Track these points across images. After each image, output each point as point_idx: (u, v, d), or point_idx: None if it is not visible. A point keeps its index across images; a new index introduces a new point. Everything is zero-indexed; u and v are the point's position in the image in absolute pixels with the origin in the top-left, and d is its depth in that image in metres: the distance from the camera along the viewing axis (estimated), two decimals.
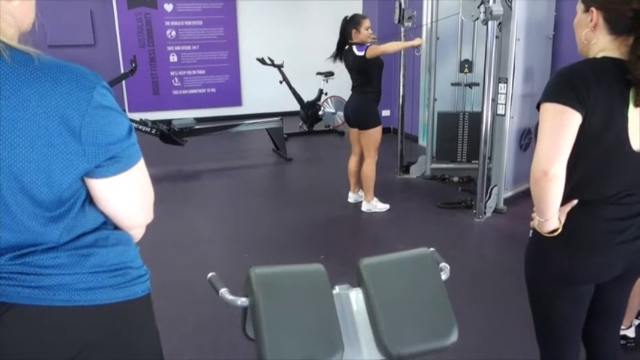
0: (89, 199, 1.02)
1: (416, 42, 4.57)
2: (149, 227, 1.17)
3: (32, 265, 0.96)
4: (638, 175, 1.42)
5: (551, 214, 1.42)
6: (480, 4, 3.98)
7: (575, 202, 1.44)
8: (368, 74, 4.22)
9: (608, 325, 1.67)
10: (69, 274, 0.98)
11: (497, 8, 3.89)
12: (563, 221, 1.44)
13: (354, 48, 4.18)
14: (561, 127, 1.32)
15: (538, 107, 1.40)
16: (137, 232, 1.14)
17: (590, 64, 1.39)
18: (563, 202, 1.43)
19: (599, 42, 1.40)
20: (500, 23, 4.07)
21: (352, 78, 4.36)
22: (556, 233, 1.45)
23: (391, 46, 4.36)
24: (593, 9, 1.38)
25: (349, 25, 4.21)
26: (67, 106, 0.90)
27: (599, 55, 1.39)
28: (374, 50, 4.14)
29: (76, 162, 0.94)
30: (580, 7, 1.44)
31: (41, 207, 0.94)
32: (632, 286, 1.64)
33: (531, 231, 1.55)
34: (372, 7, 7.30)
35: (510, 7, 4.03)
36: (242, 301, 1.31)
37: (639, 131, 1.36)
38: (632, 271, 1.55)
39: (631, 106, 1.34)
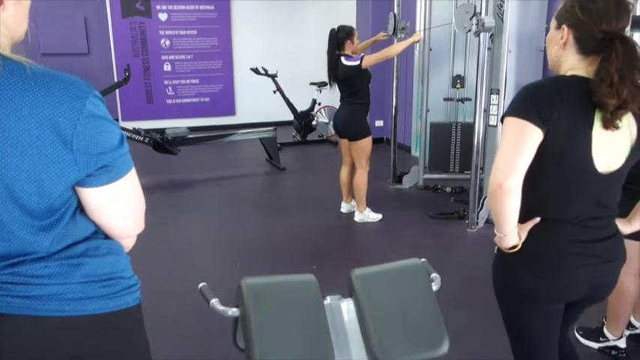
0: (80, 208, 1.02)
1: (415, 37, 4.54)
2: (141, 236, 1.17)
3: (22, 274, 0.96)
4: (603, 198, 1.41)
5: (508, 230, 1.40)
6: (472, 17, 4.02)
7: (537, 219, 1.42)
8: (356, 85, 4.20)
9: (567, 332, 1.67)
10: (59, 284, 0.98)
11: (489, 20, 3.94)
12: (523, 238, 1.42)
13: (343, 59, 4.15)
14: (520, 142, 1.31)
15: (502, 121, 1.39)
16: (128, 242, 1.14)
17: (556, 82, 1.38)
18: (526, 219, 1.42)
19: (568, 60, 1.39)
20: (492, 35, 4.11)
21: (340, 89, 4.34)
22: (515, 250, 1.43)
23: (393, 49, 4.30)
24: (564, 26, 1.37)
25: (340, 36, 4.19)
26: (58, 115, 0.90)
27: (568, 73, 1.38)
28: (373, 58, 4.11)
29: (67, 171, 0.93)
30: (553, 23, 1.43)
31: (31, 216, 0.94)
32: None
33: (496, 247, 1.53)
34: (365, 18, 7.36)
35: (502, 20, 4.07)
36: (233, 311, 1.31)
37: (605, 153, 1.34)
38: (594, 297, 1.52)
39: (596, 127, 1.32)
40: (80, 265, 1.00)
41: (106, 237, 1.09)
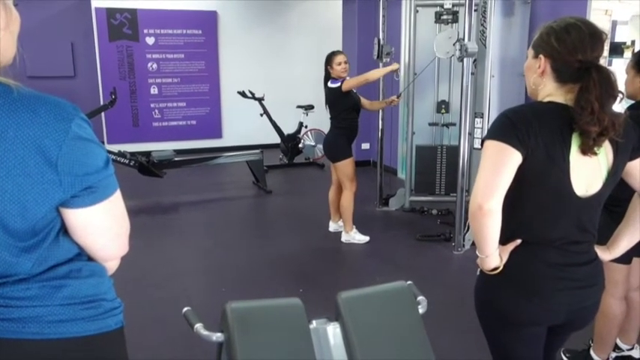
0: (63, 230, 1.01)
1: (394, 66, 4.66)
2: (124, 259, 1.15)
3: (3, 296, 0.94)
4: (583, 221, 1.42)
5: (490, 251, 1.42)
6: (456, 42, 4.11)
7: (518, 241, 1.44)
8: (336, 109, 4.34)
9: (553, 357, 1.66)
10: (40, 306, 0.96)
11: (473, 46, 4.01)
12: (504, 260, 1.44)
13: (329, 82, 4.33)
14: (500, 164, 1.34)
15: (482, 144, 1.42)
16: (112, 264, 1.12)
17: (534, 107, 1.41)
18: (507, 241, 1.44)
19: (546, 87, 1.42)
20: (475, 60, 4.19)
21: (328, 111, 4.49)
22: (496, 271, 1.45)
23: (372, 74, 4.39)
24: (541, 56, 1.41)
25: (325, 64, 4.37)
26: (44, 137, 0.90)
27: (545, 100, 1.42)
28: (352, 81, 4.22)
29: (51, 192, 0.93)
30: (530, 52, 1.47)
31: (14, 237, 0.93)
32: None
33: (479, 269, 1.54)
34: (351, 42, 7.44)
35: (485, 45, 4.16)
36: (217, 336, 1.30)
37: (583, 177, 1.37)
38: (576, 321, 1.53)
39: (573, 152, 1.35)
40: (62, 287, 0.99)
41: (89, 259, 1.07)
